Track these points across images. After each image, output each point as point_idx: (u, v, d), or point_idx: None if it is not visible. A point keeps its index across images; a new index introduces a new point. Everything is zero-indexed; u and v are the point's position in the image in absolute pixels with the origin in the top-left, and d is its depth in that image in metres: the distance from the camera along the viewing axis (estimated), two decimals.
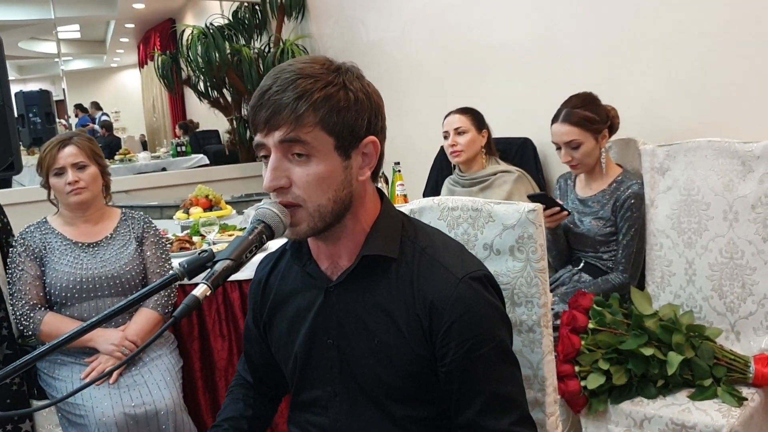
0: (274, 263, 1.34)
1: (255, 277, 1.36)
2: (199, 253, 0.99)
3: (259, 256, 1.16)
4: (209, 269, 0.98)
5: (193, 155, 8.15)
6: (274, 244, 1.27)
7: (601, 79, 2.82)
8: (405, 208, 1.51)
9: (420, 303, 1.13)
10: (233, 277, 2.37)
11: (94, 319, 0.94)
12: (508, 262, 1.38)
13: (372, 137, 1.13)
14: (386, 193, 3.23)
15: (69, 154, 2.33)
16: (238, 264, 0.99)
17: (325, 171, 1.08)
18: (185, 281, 1.02)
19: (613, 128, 2.47)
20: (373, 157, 1.15)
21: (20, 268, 2.31)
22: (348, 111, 1.09)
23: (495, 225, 1.39)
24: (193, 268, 0.98)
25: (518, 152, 3.20)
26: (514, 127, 3.31)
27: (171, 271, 0.98)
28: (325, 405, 1.24)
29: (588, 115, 2.39)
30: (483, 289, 1.14)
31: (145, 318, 2.35)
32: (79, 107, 11.63)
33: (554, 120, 2.45)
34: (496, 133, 3.16)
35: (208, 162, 7.72)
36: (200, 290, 0.93)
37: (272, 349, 1.34)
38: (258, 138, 1.09)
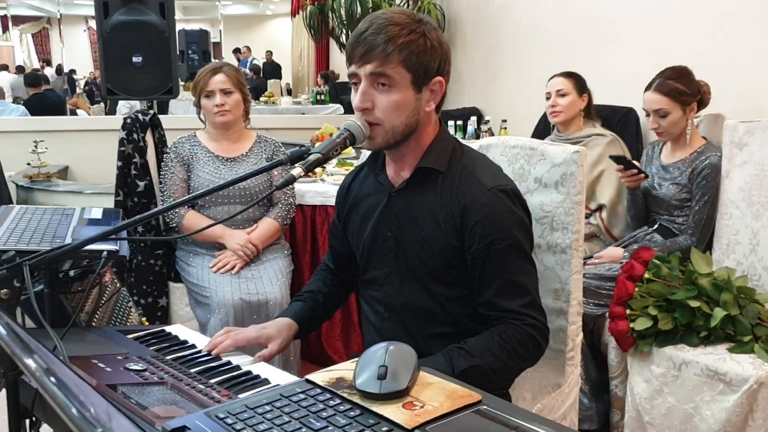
0: (356, 173, 1.70)
1: (342, 183, 1.72)
2: (299, 147, 1.35)
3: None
4: (305, 158, 1.34)
5: (331, 105, 8.57)
6: None
7: (703, 55, 2.93)
8: (475, 144, 1.82)
9: (456, 205, 1.46)
10: None
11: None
12: (552, 194, 1.66)
13: (440, 77, 1.46)
14: None
15: (219, 80, 2.77)
16: (326, 158, 1.35)
17: (402, 99, 1.42)
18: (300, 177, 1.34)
19: (702, 103, 2.61)
20: (439, 94, 1.48)
21: (171, 171, 2.81)
22: (425, 54, 1.42)
23: (546, 162, 1.67)
24: (294, 157, 1.35)
25: (621, 121, 3.37)
26: (621, 96, 3.46)
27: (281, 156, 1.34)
28: (382, 282, 1.60)
29: (679, 87, 2.55)
30: (507, 198, 1.45)
31: (267, 225, 2.79)
32: (237, 51, 12.63)
33: (647, 88, 2.62)
34: (605, 100, 3.33)
35: (343, 112, 8.14)
36: (296, 170, 1.30)
37: (348, 238, 1.69)
38: (352, 68, 1.43)
